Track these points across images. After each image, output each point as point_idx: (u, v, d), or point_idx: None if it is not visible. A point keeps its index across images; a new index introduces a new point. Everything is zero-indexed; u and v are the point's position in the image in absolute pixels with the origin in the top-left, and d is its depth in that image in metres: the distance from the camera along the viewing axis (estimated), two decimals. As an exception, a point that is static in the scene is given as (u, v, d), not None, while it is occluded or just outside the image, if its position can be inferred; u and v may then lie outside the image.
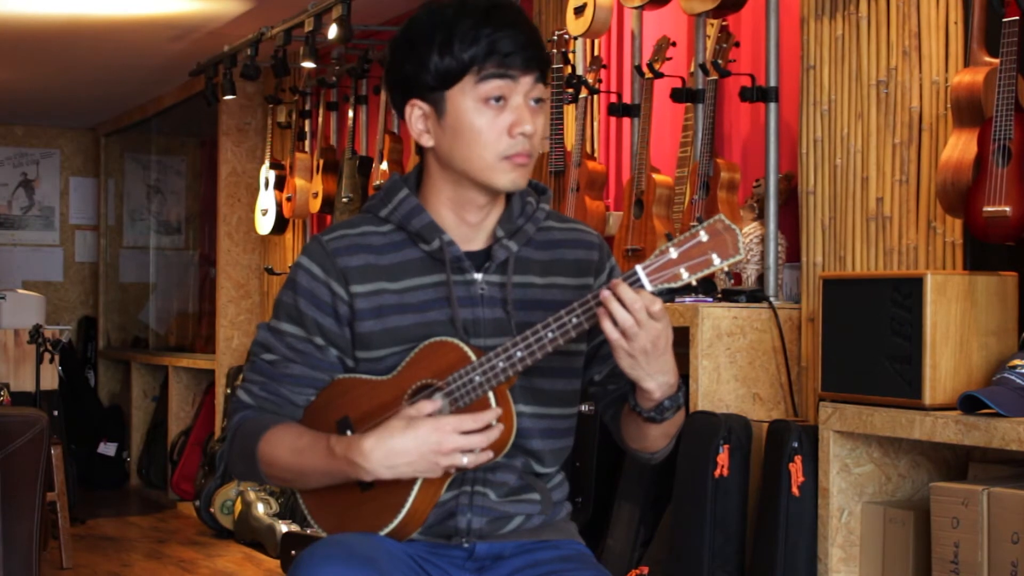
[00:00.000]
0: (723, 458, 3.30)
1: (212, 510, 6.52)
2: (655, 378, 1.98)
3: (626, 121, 4.54)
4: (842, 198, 3.44)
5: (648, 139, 4.17)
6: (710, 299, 3.58)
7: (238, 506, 6.35)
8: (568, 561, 2.13)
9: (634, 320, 1.92)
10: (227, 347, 7.36)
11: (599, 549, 3.70)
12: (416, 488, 2.02)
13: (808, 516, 3.12)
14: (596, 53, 4.54)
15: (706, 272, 1.92)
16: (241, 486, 6.35)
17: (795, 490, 3.13)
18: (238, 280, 7.47)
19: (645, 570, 3.53)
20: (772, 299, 3.61)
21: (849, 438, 3.08)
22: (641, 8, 4.22)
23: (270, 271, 6.93)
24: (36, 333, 6.30)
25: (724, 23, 3.91)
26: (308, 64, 5.90)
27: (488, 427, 1.99)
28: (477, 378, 2.01)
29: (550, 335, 1.98)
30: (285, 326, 2.15)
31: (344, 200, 6.10)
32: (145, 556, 6.22)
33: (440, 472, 2.00)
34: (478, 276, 2.13)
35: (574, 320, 1.97)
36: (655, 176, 4.11)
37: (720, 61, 3.83)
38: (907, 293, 2.87)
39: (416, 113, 2.12)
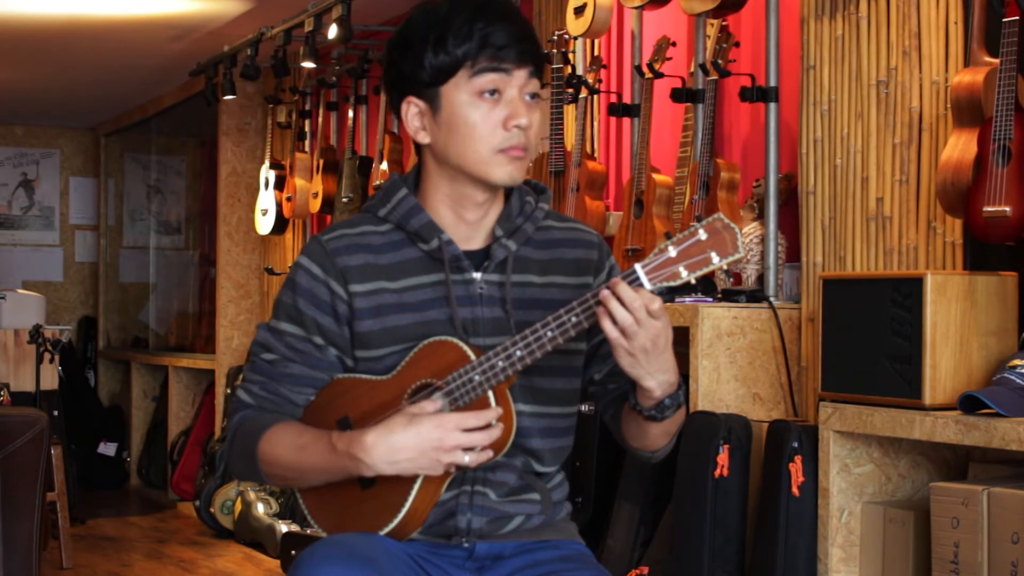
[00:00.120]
0: (723, 458, 3.30)
1: (212, 510, 6.52)
2: (655, 376, 1.98)
3: (626, 121, 4.54)
4: (842, 198, 3.44)
5: (648, 139, 4.17)
6: (710, 299, 3.58)
7: (238, 506, 6.35)
8: (568, 561, 2.13)
9: (634, 319, 1.92)
10: (227, 347, 7.36)
11: (599, 549, 3.70)
12: (416, 487, 2.02)
13: (808, 516, 3.12)
14: (596, 53, 4.54)
15: (705, 271, 1.92)
16: (241, 486, 6.34)
17: (795, 490, 3.13)
18: (238, 280, 7.47)
19: (645, 570, 3.53)
20: (772, 299, 3.61)
21: (849, 438, 3.08)
22: (641, 8, 4.22)
23: (270, 271, 6.93)
24: (36, 333, 6.30)
25: (724, 23, 3.91)
26: (308, 64, 5.90)
27: (489, 425, 1.99)
28: (476, 377, 2.01)
29: (549, 334, 1.98)
30: (284, 326, 2.15)
31: (344, 200, 6.10)
32: (145, 556, 6.22)
33: (441, 469, 2.00)
34: (477, 275, 2.13)
35: (573, 319, 1.97)
36: (655, 176, 4.11)
37: (720, 61, 3.83)
38: (907, 293, 2.87)
39: (412, 111, 2.13)
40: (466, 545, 2.12)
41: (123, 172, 9.62)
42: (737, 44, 3.90)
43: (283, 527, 5.90)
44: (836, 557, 3.07)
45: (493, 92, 2.07)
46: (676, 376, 2.02)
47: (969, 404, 2.71)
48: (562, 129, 4.49)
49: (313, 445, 2.05)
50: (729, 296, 3.60)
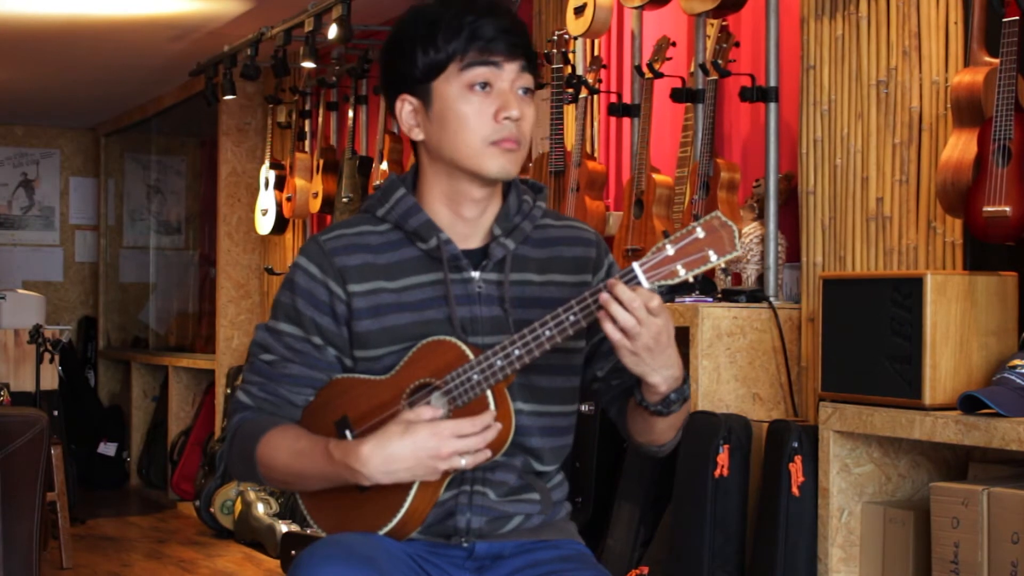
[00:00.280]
0: (723, 458, 3.30)
1: (212, 510, 6.52)
2: (660, 372, 1.98)
3: (626, 121, 4.54)
4: (842, 198, 3.44)
5: (648, 139, 4.17)
6: (710, 299, 3.58)
7: (238, 506, 6.35)
8: (568, 561, 2.13)
9: (635, 320, 1.92)
10: (227, 347, 7.36)
11: (599, 549, 3.70)
12: (415, 488, 2.02)
13: (808, 516, 3.12)
14: (596, 53, 4.54)
15: (703, 269, 1.92)
16: (241, 486, 6.35)
17: (795, 490, 3.13)
18: (238, 280, 7.47)
19: (645, 570, 3.53)
20: (772, 299, 3.61)
21: (849, 438, 3.08)
22: (641, 8, 4.22)
23: (270, 271, 6.93)
24: (36, 333, 6.30)
25: (724, 23, 3.91)
26: (308, 64, 5.90)
27: (486, 428, 1.99)
28: (475, 377, 2.01)
29: (548, 333, 1.98)
30: (283, 326, 2.15)
31: (344, 200, 6.10)
32: (145, 556, 6.22)
33: (439, 476, 2.00)
34: (475, 274, 2.13)
35: (571, 318, 1.97)
36: (655, 176, 4.11)
37: (720, 61, 3.83)
38: (907, 293, 2.87)
39: (406, 108, 2.15)
40: (466, 545, 2.12)
41: (123, 172, 9.62)
42: (737, 44, 3.90)
43: (283, 527, 5.90)
44: (836, 557, 3.07)
45: (484, 85, 2.08)
46: (680, 370, 2.02)
47: (969, 404, 2.71)
48: (562, 129, 4.49)
49: (310, 452, 2.05)
50: (729, 296, 3.60)
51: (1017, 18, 2.81)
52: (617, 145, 4.68)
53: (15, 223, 9.79)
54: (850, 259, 3.41)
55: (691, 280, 1.93)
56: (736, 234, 1.91)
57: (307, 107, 6.77)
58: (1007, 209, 2.80)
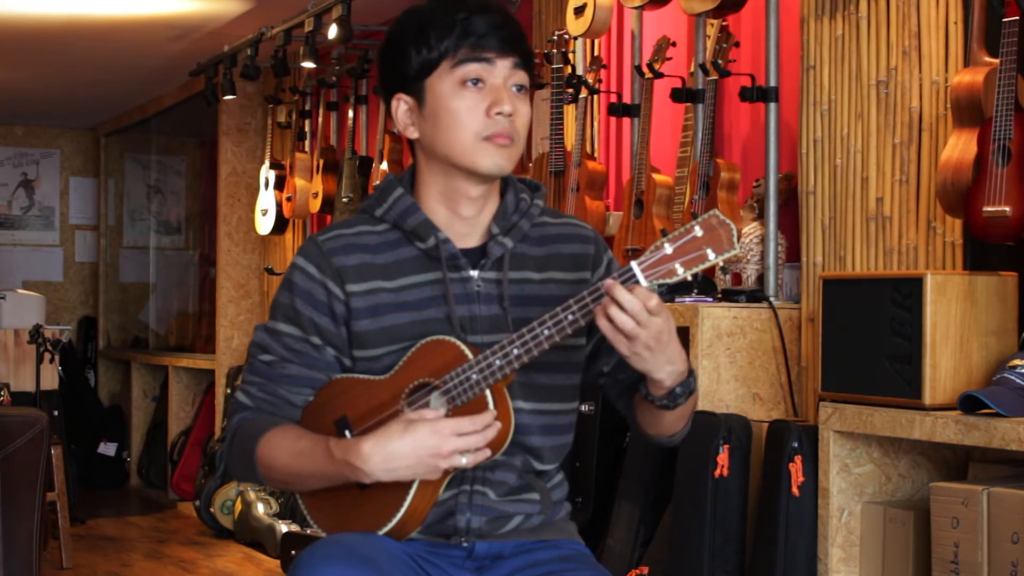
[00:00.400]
0: (723, 458, 3.30)
1: (212, 510, 6.52)
2: (663, 368, 1.99)
3: (626, 121, 4.54)
4: (842, 198, 3.44)
5: (648, 139, 4.17)
6: (710, 299, 3.58)
7: (238, 506, 6.35)
8: (568, 561, 2.13)
9: (635, 322, 1.92)
10: (227, 347, 7.36)
11: (599, 549, 3.70)
12: (414, 487, 2.02)
13: (808, 516, 3.12)
14: (596, 53, 4.54)
15: (701, 267, 1.92)
16: (241, 486, 6.35)
17: (795, 490, 3.13)
18: (238, 280, 7.47)
19: (645, 570, 3.53)
20: (772, 299, 3.61)
21: (849, 438, 3.08)
22: (641, 8, 4.22)
23: (270, 271, 6.93)
24: (36, 333, 6.30)
25: (724, 23, 3.91)
26: (308, 64, 5.90)
27: (486, 427, 1.99)
28: (474, 376, 2.01)
29: (546, 332, 1.98)
30: (282, 326, 2.15)
31: (344, 200, 6.10)
32: (145, 556, 6.22)
33: (439, 474, 2.01)
34: (474, 273, 2.13)
35: (570, 317, 1.97)
36: (655, 176, 4.11)
37: (720, 61, 3.83)
38: (907, 293, 2.87)
39: (402, 107, 2.15)
40: (465, 545, 2.12)
41: (123, 172, 9.62)
42: (737, 44, 3.90)
43: (283, 527, 5.90)
44: (836, 557, 3.07)
45: (476, 82, 2.09)
46: (684, 364, 2.02)
47: (969, 404, 2.71)
48: (562, 129, 4.49)
49: (311, 451, 2.05)
50: (729, 296, 3.60)
51: (1017, 18, 2.81)
52: (617, 145, 4.68)
53: (15, 223, 9.79)
54: (850, 259, 3.41)
55: (690, 279, 1.93)
56: (734, 232, 1.91)
57: (307, 107, 6.77)
58: (1007, 209, 2.80)
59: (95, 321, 9.65)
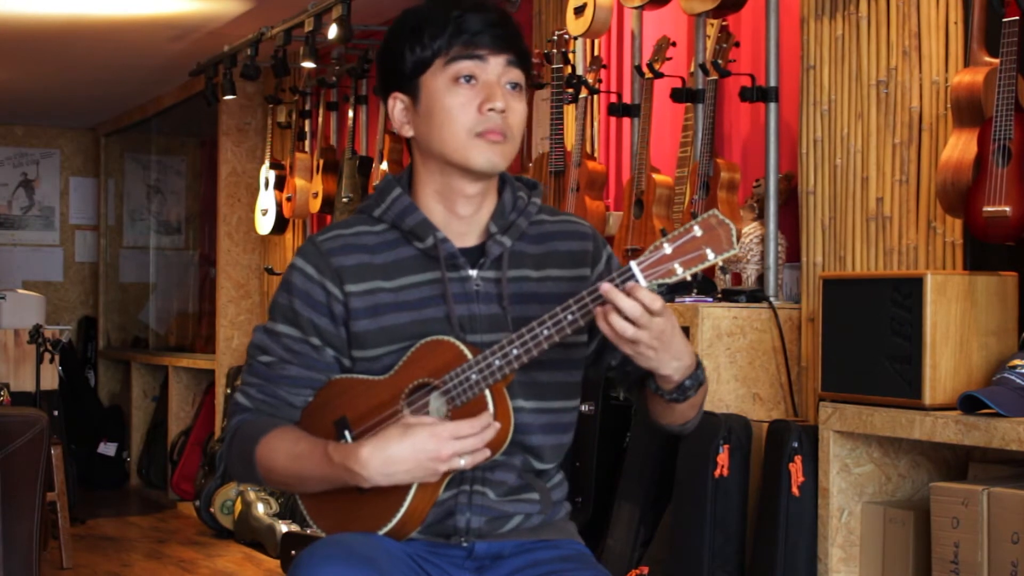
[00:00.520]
0: (723, 458, 3.30)
1: (212, 510, 6.52)
2: (670, 365, 1.99)
3: (626, 121, 4.54)
4: (842, 198, 3.44)
5: (648, 139, 4.17)
6: (710, 299, 3.58)
7: (238, 506, 6.35)
8: (568, 561, 2.13)
9: (635, 327, 1.92)
10: (227, 347, 7.36)
11: (599, 549, 3.70)
12: (414, 488, 2.02)
13: (808, 516, 3.12)
14: (596, 53, 4.54)
15: (700, 267, 1.92)
16: (241, 486, 6.34)
17: (795, 490, 3.13)
18: (238, 280, 7.47)
19: (645, 570, 3.53)
20: (772, 299, 3.61)
21: (849, 438, 3.08)
22: (641, 8, 4.22)
23: (270, 271, 6.93)
24: (36, 333, 6.30)
25: (724, 23, 3.91)
26: (308, 64, 5.90)
27: (485, 428, 1.99)
28: (474, 376, 2.01)
29: (546, 332, 1.98)
30: (281, 327, 2.15)
31: (344, 200, 6.10)
32: (145, 556, 6.22)
33: (438, 477, 2.01)
34: (473, 272, 2.13)
35: (569, 317, 1.97)
36: (655, 176, 4.11)
37: (720, 61, 3.83)
38: (907, 293, 2.87)
39: (398, 106, 2.16)
40: (465, 544, 2.12)
41: (123, 172, 9.62)
42: (737, 44, 3.90)
43: (283, 527, 5.90)
44: (836, 557, 3.07)
45: (469, 79, 2.09)
46: (691, 358, 2.03)
47: (969, 404, 2.71)
48: (562, 129, 4.49)
49: (309, 455, 2.06)
50: (729, 296, 3.60)
51: (1017, 18, 2.81)
52: (617, 145, 4.68)
53: (15, 223, 9.79)
54: (850, 259, 3.41)
55: (689, 279, 1.93)
56: (733, 232, 1.91)
57: (307, 107, 6.77)
58: (1007, 209, 2.80)
59: (95, 321, 9.65)
